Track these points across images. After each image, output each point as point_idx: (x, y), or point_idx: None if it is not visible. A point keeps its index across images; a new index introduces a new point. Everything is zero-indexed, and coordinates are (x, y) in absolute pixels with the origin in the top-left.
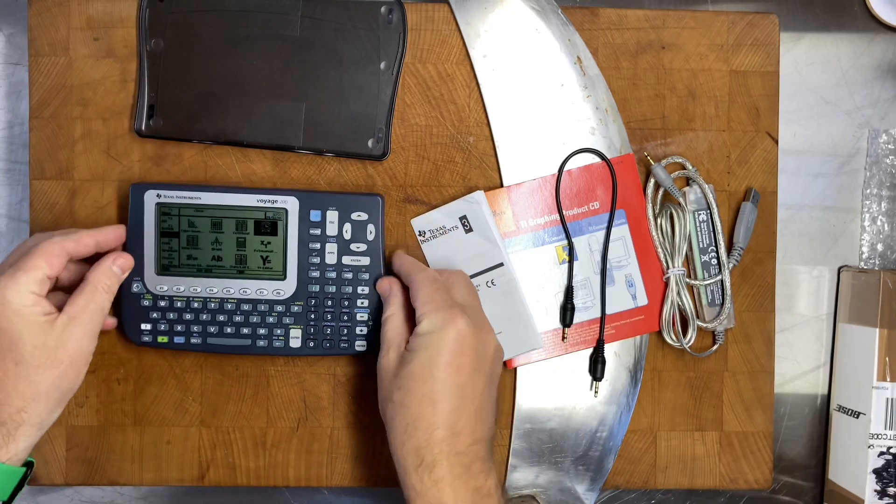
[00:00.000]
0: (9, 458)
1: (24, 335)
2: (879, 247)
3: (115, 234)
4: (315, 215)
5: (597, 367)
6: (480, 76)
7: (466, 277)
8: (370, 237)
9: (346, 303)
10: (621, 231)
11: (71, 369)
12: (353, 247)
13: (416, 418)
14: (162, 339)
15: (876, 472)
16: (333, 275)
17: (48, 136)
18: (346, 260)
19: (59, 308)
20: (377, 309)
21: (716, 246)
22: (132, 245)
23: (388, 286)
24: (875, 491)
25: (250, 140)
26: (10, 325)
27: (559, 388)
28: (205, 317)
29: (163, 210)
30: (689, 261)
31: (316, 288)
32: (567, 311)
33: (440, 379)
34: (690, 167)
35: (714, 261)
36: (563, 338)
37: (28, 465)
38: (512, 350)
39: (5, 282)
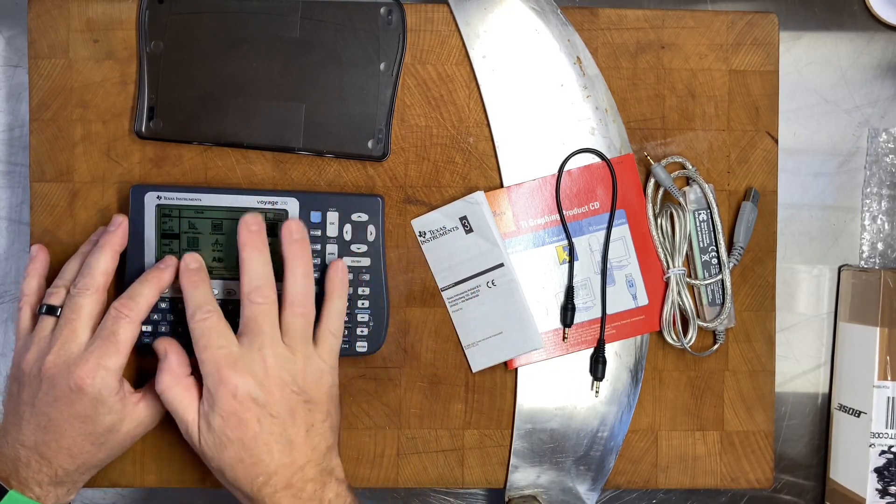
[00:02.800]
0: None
1: (105, 422)
2: (880, 246)
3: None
4: (315, 216)
5: (597, 367)
6: (480, 77)
7: None
8: (370, 238)
9: (347, 304)
10: (621, 231)
11: (129, 443)
12: (354, 248)
13: (235, 478)
14: None
15: (877, 470)
16: None
17: (48, 138)
18: (347, 261)
19: None
20: (378, 310)
21: (716, 245)
22: (133, 247)
23: (164, 349)
24: (876, 490)
25: (250, 141)
26: (97, 413)
27: (560, 389)
28: None
29: (163, 212)
30: (689, 260)
31: (317, 289)
32: (568, 311)
33: (236, 441)
34: (690, 167)
35: (714, 260)
36: (564, 338)
37: None
38: (513, 350)
39: (101, 377)
